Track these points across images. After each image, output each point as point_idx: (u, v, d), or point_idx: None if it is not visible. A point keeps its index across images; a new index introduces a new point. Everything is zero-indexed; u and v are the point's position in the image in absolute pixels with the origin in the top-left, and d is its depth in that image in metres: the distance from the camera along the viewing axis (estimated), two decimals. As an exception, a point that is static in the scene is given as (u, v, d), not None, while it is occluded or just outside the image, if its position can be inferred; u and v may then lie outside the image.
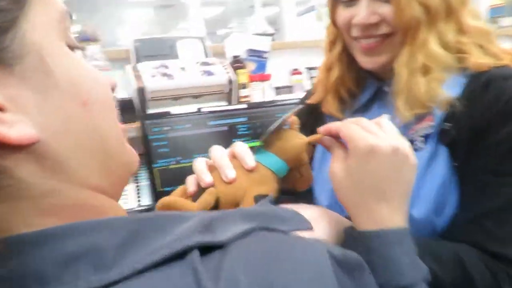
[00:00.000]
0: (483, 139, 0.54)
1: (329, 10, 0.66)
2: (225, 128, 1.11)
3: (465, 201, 0.55)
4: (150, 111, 1.21)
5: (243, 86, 1.46)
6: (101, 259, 0.24)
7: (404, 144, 0.42)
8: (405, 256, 0.40)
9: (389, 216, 0.41)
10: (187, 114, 1.08)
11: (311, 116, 0.74)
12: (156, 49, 1.39)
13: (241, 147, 0.47)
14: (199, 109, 1.09)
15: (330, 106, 0.70)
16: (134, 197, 1.08)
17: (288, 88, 1.59)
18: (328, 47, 0.71)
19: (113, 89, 0.35)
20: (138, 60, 1.36)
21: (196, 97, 1.29)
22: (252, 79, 1.49)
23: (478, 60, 0.56)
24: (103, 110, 0.29)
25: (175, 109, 1.08)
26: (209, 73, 1.27)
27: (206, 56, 1.46)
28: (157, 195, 1.06)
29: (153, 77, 1.21)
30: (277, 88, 1.57)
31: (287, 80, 1.67)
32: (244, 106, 1.14)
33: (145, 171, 1.07)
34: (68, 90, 0.27)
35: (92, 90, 0.29)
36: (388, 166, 0.41)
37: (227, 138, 1.10)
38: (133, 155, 0.34)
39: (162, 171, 1.06)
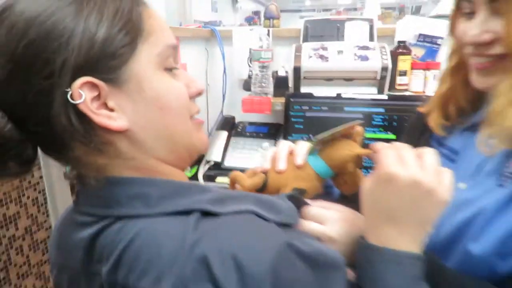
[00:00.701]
0: None
1: (450, 20, 0.63)
2: (360, 116, 1.15)
3: None
4: (303, 89, 1.35)
5: (403, 73, 1.41)
6: (148, 201, 0.42)
7: (431, 181, 0.43)
8: (399, 276, 0.43)
9: (396, 238, 0.45)
10: (326, 98, 1.17)
11: (421, 125, 0.73)
12: (323, 30, 1.49)
13: (300, 147, 0.57)
14: (338, 94, 1.16)
15: (433, 120, 0.68)
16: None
17: (458, 81, 1.41)
18: (448, 57, 0.67)
19: (200, 94, 0.51)
20: (305, 39, 1.50)
21: (348, 80, 1.34)
22: (415, 67, 1.41)
23: None
24: (175, 114, 0.44)
25: (317, 91, 1.19)
26: (363, 58, 1.30)
27: (371, 39, 1.46)
28: (287, 163, 1.24)
29: (309, 57, 1.33)
30: (445, 79, 1.42)
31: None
32: (384, 97, 1.14)
33: (282, 140, 1.25)
34: (152, 102, 0.43)
35: (169, 101, 0.44)
36: (403, 197, 0.44)
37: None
38: (199, 143, 0.49)
39: (295, 144, 1.21)
